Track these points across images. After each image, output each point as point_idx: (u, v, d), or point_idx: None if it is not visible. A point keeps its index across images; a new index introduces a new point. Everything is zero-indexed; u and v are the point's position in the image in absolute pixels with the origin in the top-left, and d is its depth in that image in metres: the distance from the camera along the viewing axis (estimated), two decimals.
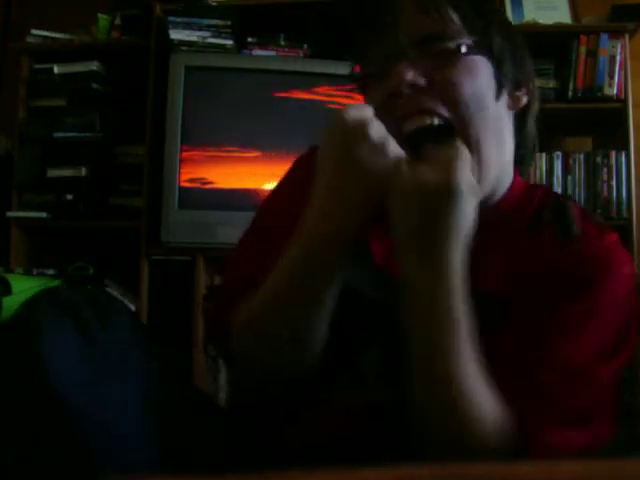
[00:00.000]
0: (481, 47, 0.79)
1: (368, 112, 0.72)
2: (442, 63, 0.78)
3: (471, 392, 0.70)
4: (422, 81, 0.77)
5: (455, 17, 0.79)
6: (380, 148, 0.71)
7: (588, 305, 0.77)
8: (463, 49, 0.78)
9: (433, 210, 0.67)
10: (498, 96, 0.81)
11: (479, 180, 0.74)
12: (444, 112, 0.77)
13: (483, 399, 0.70)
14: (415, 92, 0.77)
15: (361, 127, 0.70)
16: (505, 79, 0.81)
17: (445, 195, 0.66)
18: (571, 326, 0.76)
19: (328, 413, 0.81)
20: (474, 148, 0.76)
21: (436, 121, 0.77)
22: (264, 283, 0.78)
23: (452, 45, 0.78)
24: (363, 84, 0.85)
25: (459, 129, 0.77)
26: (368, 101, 0.83)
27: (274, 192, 0.98)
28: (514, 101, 0.84)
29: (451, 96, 0.77)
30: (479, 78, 0.79)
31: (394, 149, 0.71)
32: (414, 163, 0.70)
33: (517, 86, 0.84)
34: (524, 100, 0.85)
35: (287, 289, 0.77)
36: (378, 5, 0.82)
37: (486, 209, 0.76)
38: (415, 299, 0.70)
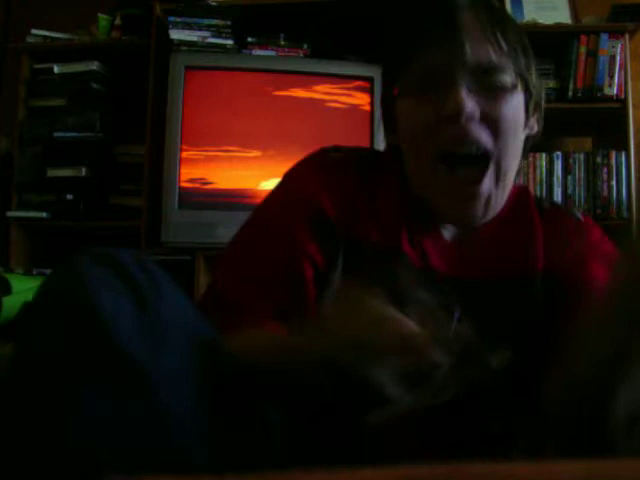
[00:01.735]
0: (522, 83, 0.86)
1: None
2: (493, 95, 0.83)
3: None
4: (477, 113, 0.82)
5: (507, 50, 0.84)
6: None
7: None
8: (513, 86, 0.84)
9: None
10: (525, 127, 0.88)
11: (499, 200, 0.87)
12: (488, 143, 0.84)
13: None
14: (467, 121, 0.82)
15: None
16: (533, 112, 0.89)
17: None
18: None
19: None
20: (502, 176, 0.86)
21: (476, 149, 0.84)
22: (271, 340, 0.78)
23: (504, 81, 0.84)
24: (404, 92, 0.87)
25: (495, 159, 0.85)
26: (404, 111, 0.87)
27: (278, 195, 0.95)
28: (530, 128, 0.91)
29: (497, 129, 0.84)
30: (519, 113, 0.86)
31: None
32: None
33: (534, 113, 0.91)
34: (536, 126, 0.92)
35: None
36: (445, 22, 0.84)
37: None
38: None
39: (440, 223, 0.90)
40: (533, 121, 0.91)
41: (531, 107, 0.88)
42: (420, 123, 0.85)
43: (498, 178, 0.86)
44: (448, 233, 0.91)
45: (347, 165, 0.92)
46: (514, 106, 0.85)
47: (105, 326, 0.63)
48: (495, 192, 0.86)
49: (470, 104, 0.82)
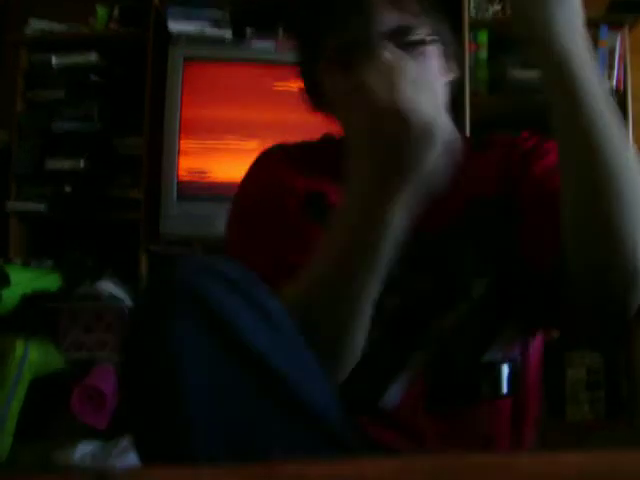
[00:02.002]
0: (438, 37, 0.92)
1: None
2: (412, 52, 0.87)
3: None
4: None
5: (418, 10, 0.90)
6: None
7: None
8: (427, 40, 0.90)
9: None
10: (446, 74, 0.94)
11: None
12: None
13: None
14: None
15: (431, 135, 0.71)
16: (449, 59, 0.94)
17: None
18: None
19: None
20: None
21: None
22: (304, 274, 0.80)
23: (419, 37, 0.89)
24: (324, 67, 0.91)
25: None
26: (328, 85, 0.92)
27: (256, 189, 0.99)
28: (450, 73, 0.96)
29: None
30: (436, 62, 0.91)
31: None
32: None
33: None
34: (455, 71, 0.97)
35: (335, 278, 0.78)
36: None
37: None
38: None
39: None
40: (452, 66, 0.95)
41: (449, 55, 0.94)
42: (347, 95, 0.87)
43: None
44: None
45: (297, 153, 1.00)
46: (432, 57, 0.90)
47: (231, 325, 0.65)
48: None
49: None
